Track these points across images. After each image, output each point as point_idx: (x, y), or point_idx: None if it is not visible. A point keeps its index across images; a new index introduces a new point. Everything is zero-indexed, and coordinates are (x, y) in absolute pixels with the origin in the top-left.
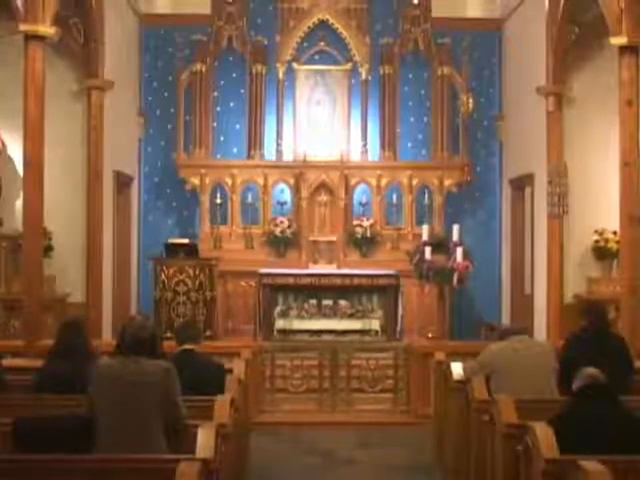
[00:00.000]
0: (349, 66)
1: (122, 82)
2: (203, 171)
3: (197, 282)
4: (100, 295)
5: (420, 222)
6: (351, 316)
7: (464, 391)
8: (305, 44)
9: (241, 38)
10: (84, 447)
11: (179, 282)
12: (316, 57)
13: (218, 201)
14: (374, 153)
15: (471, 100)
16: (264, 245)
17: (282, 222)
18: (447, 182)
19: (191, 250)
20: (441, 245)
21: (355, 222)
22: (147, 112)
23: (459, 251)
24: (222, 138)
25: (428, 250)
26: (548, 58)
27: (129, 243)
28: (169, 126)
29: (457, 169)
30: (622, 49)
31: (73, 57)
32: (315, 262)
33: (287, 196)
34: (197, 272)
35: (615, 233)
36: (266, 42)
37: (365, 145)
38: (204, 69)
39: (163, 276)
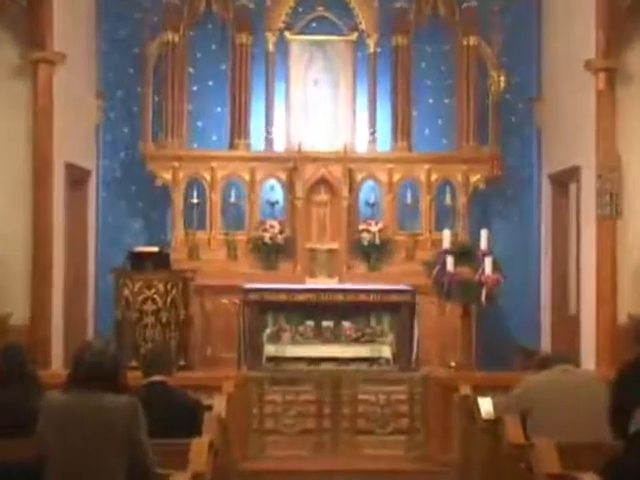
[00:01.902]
0: (354, 36)
1: (76, 55)
2: (176, 164)
3: (168, 299)
4: (49, 315)
5: (440, 226)
6: (356, 341)
7: (495, 433)
8: (300, 9)
9: (222, 1)
10: None
11: (146, 299)
12: (314, 25)
13: (194, 200)
14: (384, 142)
15: (503, 78)
16: (250, 254)
17: (272, 226)
18: (473, 178)
19: (161, 260)
20: (466, 254)
21: (361, 226)
22: (107, 92)
23: (488, 261)
24: (199, 124)
25: (450, 260)
26: (598, 26)
27: (85, 251)
28: (134, 109)
29: (486, 162)
30: None
31: (14, 24)
32: (313, 275)
33: (278, 195)
34: (168, 287)
35: None
36: (252, 6)
37: (373, 133)
38: (177, 39)
39: (127, 292)
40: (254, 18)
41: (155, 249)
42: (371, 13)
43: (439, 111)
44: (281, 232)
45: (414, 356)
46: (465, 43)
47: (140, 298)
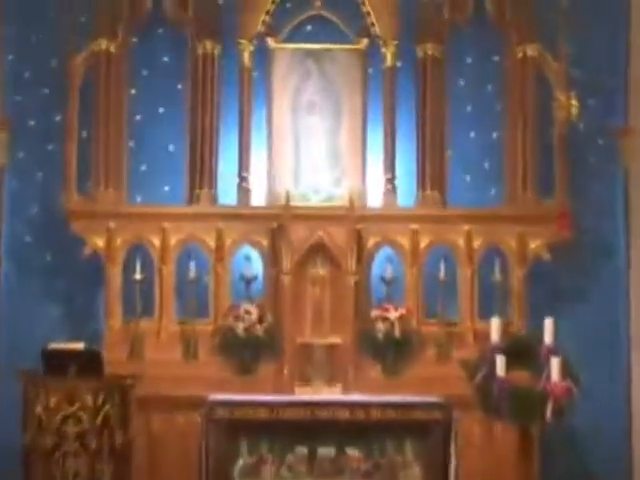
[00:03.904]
0: (364, 44)
1: None
2: (112, 224)
3: (99, 418)
4: None
5: (487, 313)
6: (368, 476)
7: None
8: (288, 5)
9: None
10: None
11: (68, 418)
12: (308, 28)
13: (137, 276)
14: (407, 194)
15: (575, 101)
16: (217, 352)
17: (248, 312)
18: (533, 243)
19: (89, 362)
20: (524, 352)
21: (375, 313)
22: (13, 122)
23: (555, 363)
24: (144, 168)
25: (501, 361)
26: None
27: None
28: (52, 146)
29: (550, 221)
30: None
31: None
32: (306, 382)
33: (257, 268)
34: (100, 400)
35: None
36: (221, 1)
37: (391, 179)
38: (113, 49)
39: (39, 407)
40: (223, 18)
41: (80, 346)
42: (388, 11)
43: (484, 149)
44: (261, 321)
45: None
46: (521, 53)
47: (59, 416)
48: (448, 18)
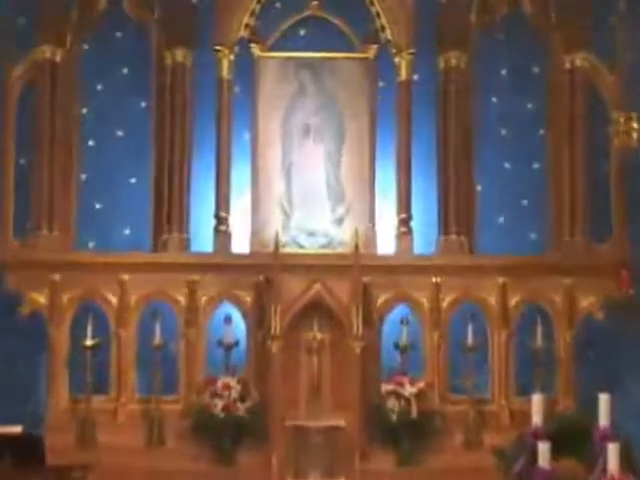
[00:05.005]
0: (371, 52)
1: None
2: (56, 277)
3: None
4: None
5: (525, 387)
6: None
7: None
8: (278, 4)
9: None
10: None
11: None
12: (302, 33)
13: (88, 342)
14: (426, 238)
15: (636, 124)
16: (188, 438)
17: (228, 387)
18: (585, 301)
19: (29, 449)
20: (573, 438)
21: (386, 387)
22: None
23: (613, 450)
24: (99, 206)
25: (544, 449)
26: None
27: None
28: None
29: (605, 272)
30: None
31: None
32: (300, 475)
33: (239, 331)
34: None
35: None
36: (194, 0)
37: (407, 220)
38: (59, 58)
39: None
40: (198, 20)
41: (17, 429)
42: (403, 13)
43: (522, 183)
44: (243, 398)
45: None
46: (569, 64)
47: None
48: (476, 21)
